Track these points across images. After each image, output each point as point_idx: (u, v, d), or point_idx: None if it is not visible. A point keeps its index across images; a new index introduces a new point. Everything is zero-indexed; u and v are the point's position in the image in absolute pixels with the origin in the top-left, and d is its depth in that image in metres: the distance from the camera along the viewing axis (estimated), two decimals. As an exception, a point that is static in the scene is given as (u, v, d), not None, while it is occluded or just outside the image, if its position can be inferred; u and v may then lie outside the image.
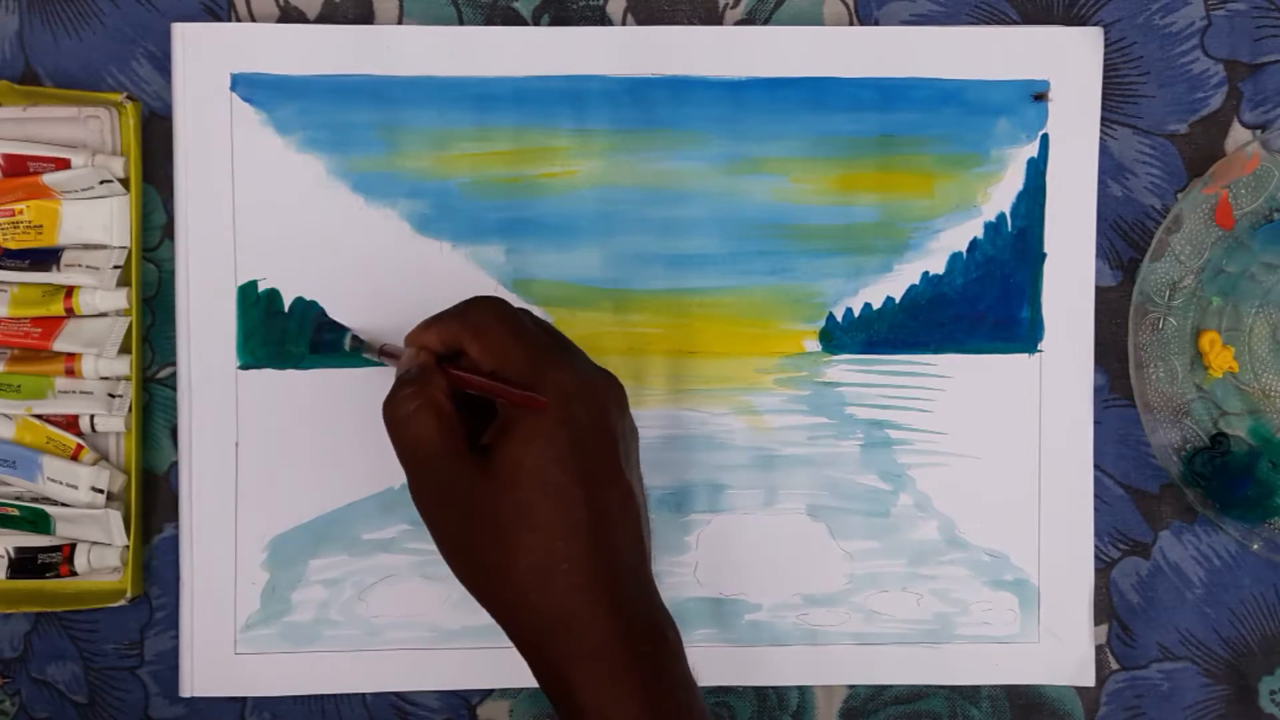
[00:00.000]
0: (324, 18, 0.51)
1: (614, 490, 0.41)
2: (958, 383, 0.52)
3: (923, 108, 0.51)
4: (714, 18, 0.51)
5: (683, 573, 0.52)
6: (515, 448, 0.40)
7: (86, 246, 0.50)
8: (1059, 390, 0.52)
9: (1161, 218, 0.52)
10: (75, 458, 0.49)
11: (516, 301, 0.51)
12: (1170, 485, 0.52)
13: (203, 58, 0.50)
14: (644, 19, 0.51)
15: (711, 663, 0.51)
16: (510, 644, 0.40)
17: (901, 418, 0.52)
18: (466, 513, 0.41)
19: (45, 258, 0.49)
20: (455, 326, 0.42)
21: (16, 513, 0.50)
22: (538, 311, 0.51)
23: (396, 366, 0.43)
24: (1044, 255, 0.52)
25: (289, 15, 0.51)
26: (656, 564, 0.51)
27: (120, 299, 0.49)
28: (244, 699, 0.51)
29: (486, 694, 0.52)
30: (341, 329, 0.50)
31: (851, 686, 0.52)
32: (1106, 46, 0.51)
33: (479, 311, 0.42)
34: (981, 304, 0.52)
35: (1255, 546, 0.51)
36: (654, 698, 0.40)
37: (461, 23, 0.51)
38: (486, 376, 0.41)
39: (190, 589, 0.50)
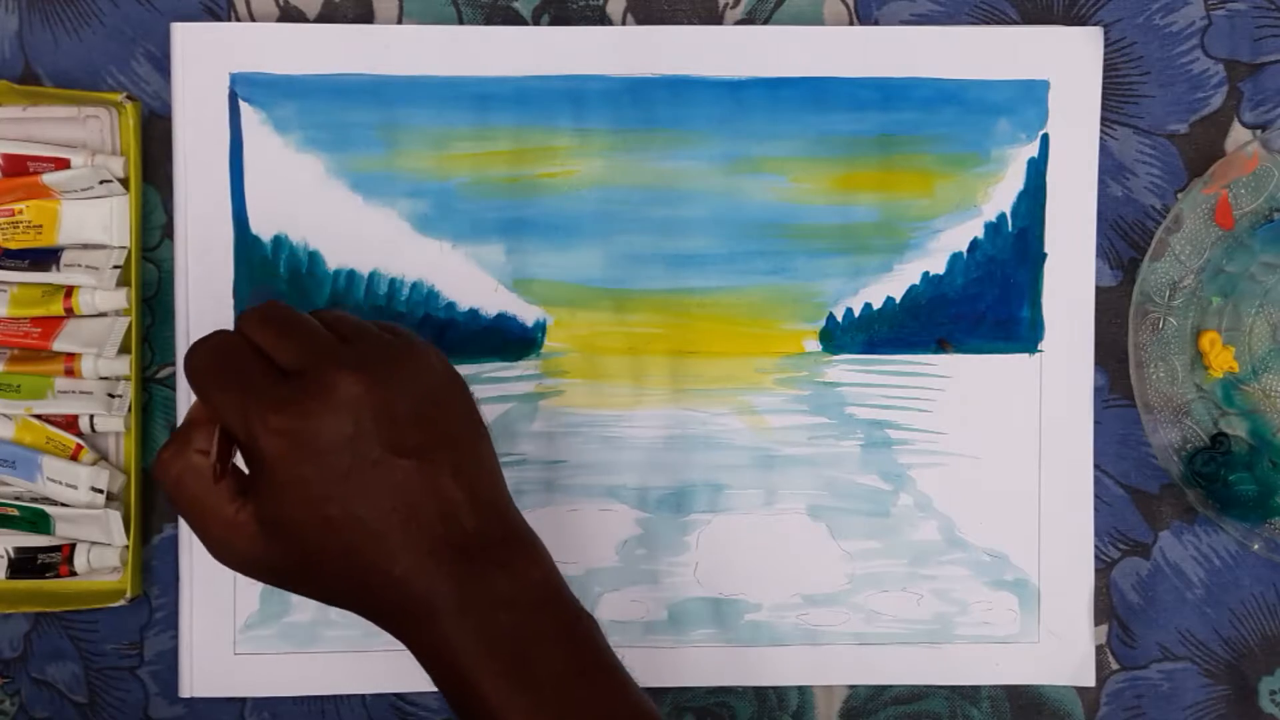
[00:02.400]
0: (324, 17, 0.51)
1: (382, 495, 0.39)
2: (958, 383, 0.52)
3: (923, 108, 0.51)
4: (714, 18, 0.51)
5: (683, 573, 0.52)
6: (274, 507, 0.39)
7: (86, 246, 0.50)
8: (1059, 390, 0.52)
9: (1161, 218, 0.52)
10: (75, 458, 0.49)
11: (516, 301, 0.51)
12: (1170, 485, 0.52)
13: (202, 58, 0.50)
14: (644, 19, 0.51)
15: (711, 663, 0.51)
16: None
17: (901, 418, 0.52)
18: (268, 568, 0.41)
19: (45, 258, 0.49)
20: (189, 382, 0.41)
21: (16, 513, 0.50)
22: (535, 311, 0.51)
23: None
24: (1044, 255, 0.52)
25: (289, 15, 0.51)
26: (656, 563, 0.51)
27: (120, 299, 0.49)
28: (244, 699, 0.51)
29: (486, 694, 0.52)
30: None
31: (851, 686, 0.52)
32: (1106, 46, 0.51)
33: (191, 364, 0.40)
34: (982, 304, 0.52)
35: (1255, 546, 0.51)
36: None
37: (461, 22, 0.51)
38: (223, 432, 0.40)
39: (190, 589, 0.50)
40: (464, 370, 0.50)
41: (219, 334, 0.41)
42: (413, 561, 0.39)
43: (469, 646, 0.39)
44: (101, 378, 0.49)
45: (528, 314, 0.51)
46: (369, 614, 0.41)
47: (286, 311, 0.41)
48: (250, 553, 0.40)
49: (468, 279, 0.51)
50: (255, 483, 0.39)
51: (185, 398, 0.50)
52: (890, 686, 0.52)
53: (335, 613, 0.51)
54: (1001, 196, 0.52)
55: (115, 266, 0.49)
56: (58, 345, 0.49)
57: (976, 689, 0.52)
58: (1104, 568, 0.52)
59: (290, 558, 0.40)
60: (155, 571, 0.51)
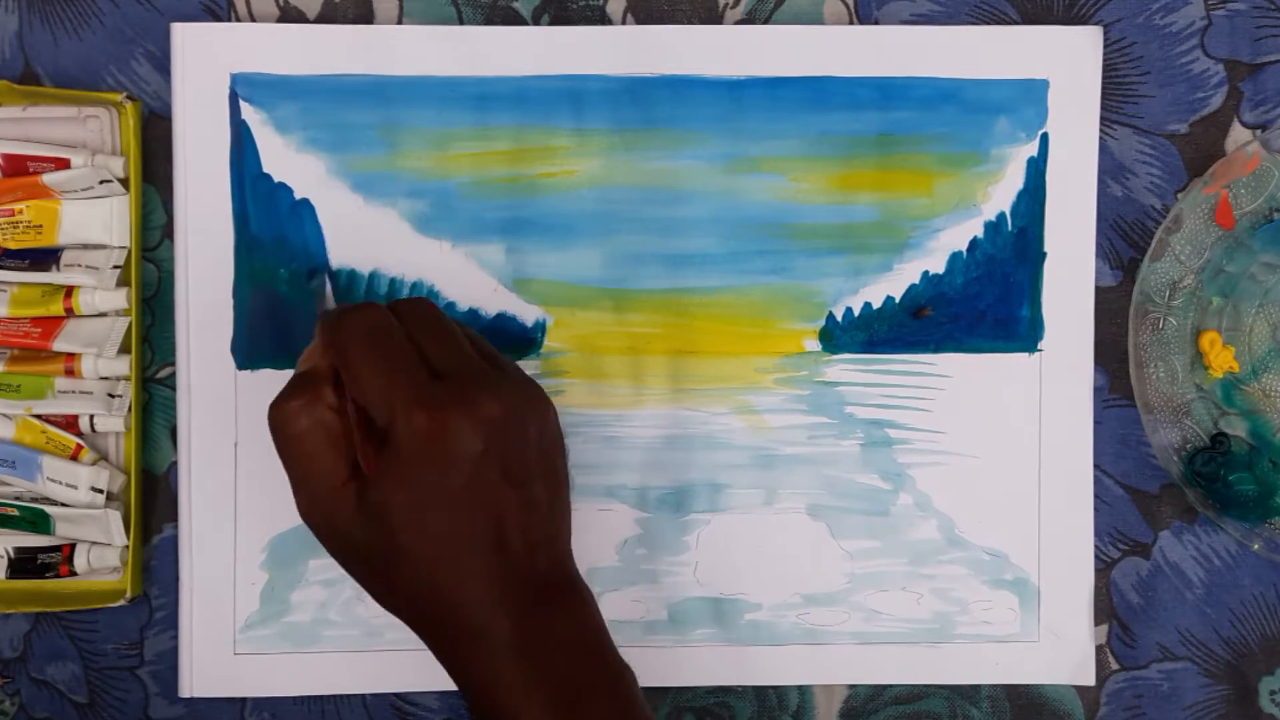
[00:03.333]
0: (324, 18, 0.51)
1: (486, 514, 0.40)
2: (958, 382, 0.52)
3: (922, 107, 0.51)
4: (714, 17, 0.51)
5: (683, 573, 0.52)
6: (384, 492, 0.40)
7: (86, 246, 0.50)
8: (1059, 390, 0.52)
9: (1161, 218, 0.52)
10: (75, 458, 0.49)
11: (516, 301, 0.51)
12: (1170, 485, 0.52)
13: (202, 58, 0.50)
14: (644, 19, 0.51)
15: (711, 663, 0.51)
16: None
17: (901, 417, 0.52)
18: (347, 543, 0.41)
19: (45, 258, 0.49)
20: (327, 342, 0.41)
21: (16, 513, 0.50)
22: (535, 311, 0.51)
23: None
24: (1044, 255, 0.52)
25: (289, 15, 0.51)
26: (656, 563, 0.51)
27: (120, 299, 0.49)
28: (244, 699, 0.51)
29: (486, 694, 0.52)
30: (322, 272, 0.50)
31: (851, 686, 0.52)
32: (1106, 46, 0.51)
33: (344, 330, 0.41)
34: (981, 303, 0.52)
35: (1255, 546, 0.51)
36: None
37: (461, 23, 0.51)
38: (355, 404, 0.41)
39: (190, 589, 0.50)
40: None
41: (376, 308, 0.42)
42: (485, 588, 0.40)
43: (520, 682, 0.39)
44: (101, 378, 0.50)
45: (527, 314, 0.51)
46: (423, 630, 0.42)
47: (441, 314, 0.43)
48: (342, 525, 0.41)
49: (468, 279, 0.51)
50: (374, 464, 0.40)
51: (185, 397, 0.50)
52: (890, 686, 0.52)
53: (335, 612, 0.51)
54: (1001, 196, 0.52)
55: (115, 266, 0.49)
56: (58, 345, 0.49)
57: (976, 688, 0.52)
58: (1104, 568, 0.52)
59: (373, 547, 0.40)
60: (155, 571, 0.51)
